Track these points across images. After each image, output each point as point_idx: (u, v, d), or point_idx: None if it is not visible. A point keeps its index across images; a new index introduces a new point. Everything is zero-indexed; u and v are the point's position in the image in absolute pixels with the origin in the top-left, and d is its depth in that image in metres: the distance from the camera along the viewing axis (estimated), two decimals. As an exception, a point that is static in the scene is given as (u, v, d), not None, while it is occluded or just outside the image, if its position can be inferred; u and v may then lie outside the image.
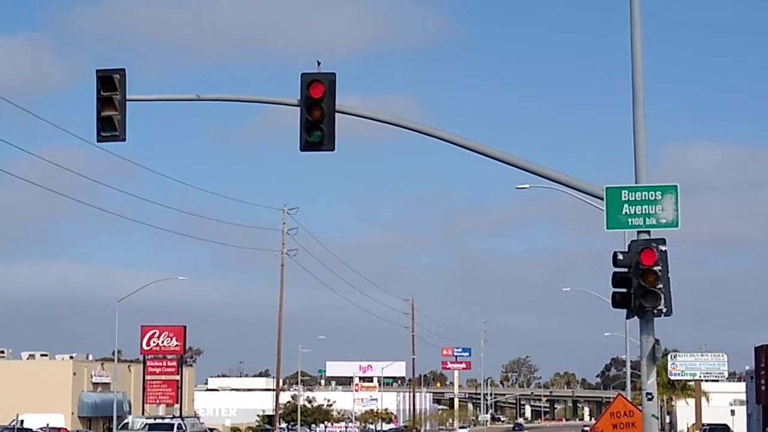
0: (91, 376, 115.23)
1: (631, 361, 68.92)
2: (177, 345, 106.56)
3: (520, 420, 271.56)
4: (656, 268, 22.16)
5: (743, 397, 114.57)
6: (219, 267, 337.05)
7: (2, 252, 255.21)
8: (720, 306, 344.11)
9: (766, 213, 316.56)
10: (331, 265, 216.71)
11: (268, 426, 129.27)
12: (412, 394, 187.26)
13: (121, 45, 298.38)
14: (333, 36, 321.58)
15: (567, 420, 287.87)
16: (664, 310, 22.29)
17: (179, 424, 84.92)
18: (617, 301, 22.87)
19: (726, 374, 66.22)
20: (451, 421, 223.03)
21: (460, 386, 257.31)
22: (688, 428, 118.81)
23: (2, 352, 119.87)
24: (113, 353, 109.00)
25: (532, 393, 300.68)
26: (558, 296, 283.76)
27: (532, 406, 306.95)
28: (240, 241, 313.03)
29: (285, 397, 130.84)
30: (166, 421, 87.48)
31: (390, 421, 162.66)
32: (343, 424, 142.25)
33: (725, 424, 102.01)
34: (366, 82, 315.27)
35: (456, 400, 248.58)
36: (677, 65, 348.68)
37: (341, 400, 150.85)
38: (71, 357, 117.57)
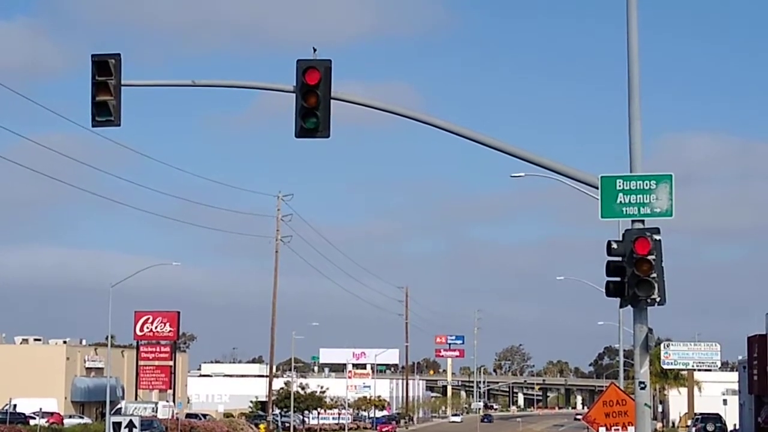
0: (85, 361, 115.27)
1: (624, 350, 69.02)
2: (170, 331, 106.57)
3: (513, 408, 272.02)
4: (650, 257, 22.17)
5: (736, 386, 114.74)
6: (213, 253, 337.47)
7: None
8: (713, 296, 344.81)
9: (759, 204, 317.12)
10: (325, 252, 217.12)
11: (261, 412, 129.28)
12: (405, 381, 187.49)
13: (118, 31, 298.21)
14: (332, 24, 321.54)
15: (560, 408, 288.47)
16: (658, 300, 22.31)
17: None
18: (611, 290, 22.89)
19: (719, 364, 66.15)
20: (444, 408, 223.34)
21: (453, 374, 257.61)
22: (680, 417, 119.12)
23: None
24: (107, 338, 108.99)
25: (525, 381, 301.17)
26: (552, 285, 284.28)
27: (525, 394, 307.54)
28: (234, 228, 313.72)
29: (278, 384, 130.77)
30: None
31: (383, 408, 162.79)
32: (336, 410, 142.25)
33: (717, 414, 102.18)
34: (365, 70, 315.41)
35: (449, 388, 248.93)
36: (675, 55, 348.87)
37: (334, 387, 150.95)
38: (65, 342, 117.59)
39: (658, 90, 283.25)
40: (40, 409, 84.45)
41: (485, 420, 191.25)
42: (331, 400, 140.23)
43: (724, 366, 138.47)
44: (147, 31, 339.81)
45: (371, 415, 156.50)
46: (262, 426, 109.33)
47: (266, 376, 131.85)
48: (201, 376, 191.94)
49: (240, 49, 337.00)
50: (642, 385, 22.86)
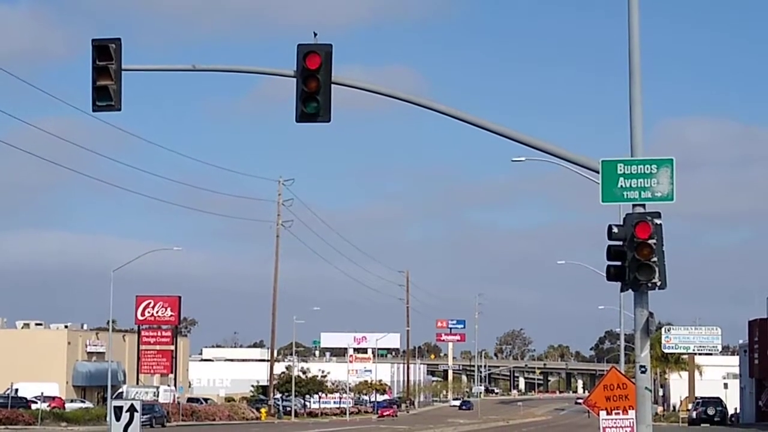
0: (86, 346, 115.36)
1: (625, 334, 69.08)
2: (172, 315, 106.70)
3: (514, 392, 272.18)
4: (651, 241, 22.15)
5: (736, 370, 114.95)
6: (214, 238, 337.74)
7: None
8: (714, 281, 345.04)
9: (759, 189, 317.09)
10: (326, 236, 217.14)
11: (262, 396, 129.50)
12: (406, 365, 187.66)
13: (120, 17, 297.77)
14: (333, 8, 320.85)
15: (560, 392, 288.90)
16: (659, 284, 22.30)
17: None
18: (612, 274, 22.87)
19: (719, 348, 66.31)
20: (445, 392, 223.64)
21: (454, 358, 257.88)
22: (681, 401, 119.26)
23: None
24: (108, 323, 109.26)
25: (525, 365, 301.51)
26: (553, 269, 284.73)
27: (525, 378, 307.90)
28: (235, 212, 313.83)
29: (279, 368, 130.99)
30: None
31: (384, 392, 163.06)
32: (337, 395, 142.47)
33: (718, 398, 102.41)
34: (366, 54, 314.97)
35: (450, 372, 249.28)
36: (675, 41, 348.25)
37: (335, 372, 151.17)
38: (66, 326, 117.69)
39: (658, 76, 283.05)
40: (42, 393, 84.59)
41: (463, 407, 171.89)
42: (332, 384, 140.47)
43: (725, 350, 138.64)
44: (149, 17, 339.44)
45: (372, 399, 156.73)
46: (263, 410, 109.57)
47: (267, 361, 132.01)
48: (202, 360, 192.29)
49: (241, 34, 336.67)
50: (643, 369, 22.87)
